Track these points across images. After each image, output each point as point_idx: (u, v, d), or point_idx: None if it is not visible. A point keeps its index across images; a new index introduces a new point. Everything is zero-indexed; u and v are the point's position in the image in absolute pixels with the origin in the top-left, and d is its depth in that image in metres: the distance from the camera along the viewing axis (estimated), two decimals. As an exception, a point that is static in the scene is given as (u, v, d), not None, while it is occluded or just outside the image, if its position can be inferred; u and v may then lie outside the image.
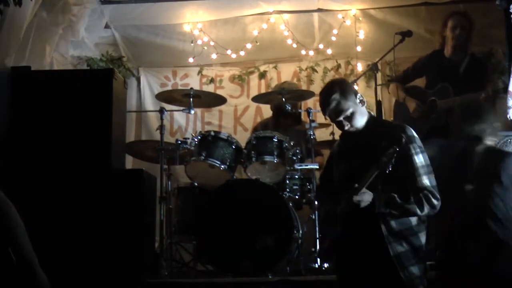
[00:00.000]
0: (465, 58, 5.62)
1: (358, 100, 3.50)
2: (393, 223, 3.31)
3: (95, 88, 4.84)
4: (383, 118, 5.79)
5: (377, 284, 3.33)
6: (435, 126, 5.38)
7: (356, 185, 3.20)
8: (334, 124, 3.59)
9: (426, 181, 3.36)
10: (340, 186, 3.56)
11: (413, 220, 3.36)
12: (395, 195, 3.27)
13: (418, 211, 3.29)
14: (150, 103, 7.34)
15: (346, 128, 3.48)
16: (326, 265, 4.71)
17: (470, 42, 5.71)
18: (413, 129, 3.53)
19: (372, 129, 3.51)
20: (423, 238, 3.38)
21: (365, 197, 3.24)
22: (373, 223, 3.31)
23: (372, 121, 3.56)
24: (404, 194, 3.29)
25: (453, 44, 5.64)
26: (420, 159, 3.38)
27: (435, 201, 3.32)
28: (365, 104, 3.56)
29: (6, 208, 2.77)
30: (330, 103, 3.45)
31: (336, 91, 3.46)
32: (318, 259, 4.78)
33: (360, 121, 3.49)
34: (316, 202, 4.98)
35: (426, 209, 3.30)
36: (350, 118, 3.46)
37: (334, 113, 3.47)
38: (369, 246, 3.33)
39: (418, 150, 3.41)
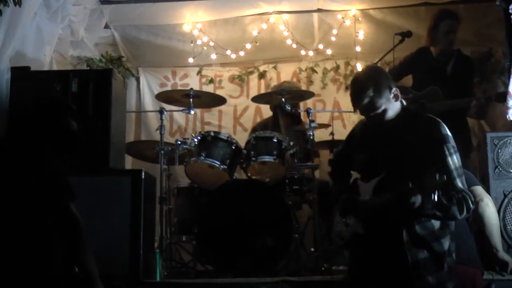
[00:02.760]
0: (452, 56, 5.59)
1: (392, 95, 3.36)
2: (417, 228, 3.20)
3: (95, 89, 4.83)
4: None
5: None
6: None
7: (410, 184, 3.03)
8: (362, 115, 3.45)
9: (460, 184, 3.26)
10: (361, 173, 3.45)
11: (436, 224, 3.24)
12: (440, 197, 3.08)
13: (458, 214, 3.17)
14: (149, 103, 7.35)
15: (375, 122, 3.39)
16: (325, 264, 4.72)
17: (454, 40, 5.69)
18: None
19: (402, 122, 3.38)
20: (446, 243, 3.26)
21: (418, 199, 3.07)
22: (395, 226, 3.21)
23: (403, 111, 3.42)
24: (445, 195, 3.14)
25: (443, 46, 5.61)
26: (454, 161, 3.26)
27: (471, 204, 3.21)
28: (399, 98, 3.40)
29: (76, 224, 2.78)
30: (363, 100, 3.31)
31: (371, 87, 3.31)
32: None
33: (390, 116, 3.36)
34: (318, 196, 5.00)
35: (465, 212, 3.18)
36: (380, 115, 3.35)
37: (366, 109, 3.36)
38: (388, 249, 3.24)
39: (452, 150, 3.28)
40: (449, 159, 3.25)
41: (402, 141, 3.31)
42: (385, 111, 3.34)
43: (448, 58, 5.59)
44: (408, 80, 5.93)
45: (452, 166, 3.25)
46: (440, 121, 3.39)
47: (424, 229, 3.22)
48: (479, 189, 4.10)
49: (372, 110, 3.34)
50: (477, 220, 4.08)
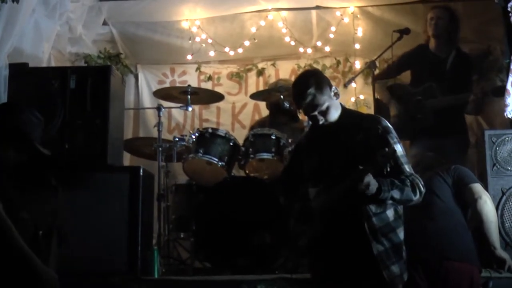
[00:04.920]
0: (451, 53, 5.60)
1: (332, 93, 3.46)
2: (374, 220, 3.29)
3: (93, 85, 4.83)
4: (380, 115, 5.79)
5: (359, 283, 3.31)
6: (422, 127, 5.38)
7: (361, 167, 3.13)
8: (307, 118, 3.54)
9: (409, 169, 3.38)
10: (312, 179, 3.52)
11: (390, 215, 3.34)
12: (393, 179, 3.25)
13: (413, 196, 3.28)
14: (148, 100, 7.34)
15: (321, 122, 3.44)
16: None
17: (455, 37, 5.69)
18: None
19: (345, 121, 3.48)
20: (401, 234, 3.37)
21: (371, 181, 3.16)
22: (356, 220, 3.29)
23: (345, 113, 3.53)
24: (397, 179, 3.28)
25: (433, 34, 5.63)
26: (399, 149, 3.37)
27: (422, 188, 3.32)
28: (339, 97, 3.52)
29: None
30: (305, 98, 3.40)
31: (312, 84, 3.41)
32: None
33: (335, 115, 3.46)
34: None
35: (418, 194, 3.30)
36: (324, 113, 3.42)
37: (310, 107, 3.42)
38: (352, 244, 3.30)
39: (395, 140, 3.41)
40: (394, 147, 3.33)
41: (349, 139, 3.40)
42: (328, 108, 3.42)
43: (447, 55, 5.60)
44: (406, 77, 5.93)
45: (399, 153, 3.35)
46: (380, 116, 3.55)
47: (380, 221, 3.31)
48: (477, 187, 4.10)
49: (315, 107, 3.41)
50: (475, 217, 4.08)
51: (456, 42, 5.69)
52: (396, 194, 3.23)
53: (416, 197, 3.30)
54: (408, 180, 3.30)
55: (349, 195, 3.21)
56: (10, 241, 2.70)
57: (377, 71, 5.75)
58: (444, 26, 5.61)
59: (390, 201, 3.26)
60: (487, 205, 4.05)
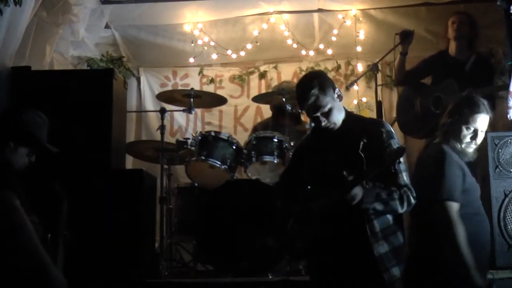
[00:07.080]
0: (471, 57, 5.59)
1: (336, 95, 3.44)
2: (375, 222, 3.27)
3: (95, 88, 4.84)
4: (384, 118, 5.78)
5: (359, 285, 3.28)
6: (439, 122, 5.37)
7: (350, 178, 3.12)
8: (310, 119, 3.53)
9: (405, 178, 3.34)
10: (313, 182, 3.52)
11: (391, 218, 3.32)
12: (381, 191, 3.22)
13: (399, 208, 3.25)
14: (150, 103, 7.34)
15: (323, 124, 3.41)
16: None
17: (475, 43, 5.67)
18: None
19: (348, 125, 3.46)
20: (401, 237, 3.35)
21: (358, 192, 3.15)
22: (357, 223, 3.26)
23: (348, 116, 3.51)
24: (386, 190, 3.25)
25: (454, 36, 5.61)
26: None
27: (412, 200, 3.29)
28: (343, 100, 3.50)
29: (12, 211, 2.77)
30: (308, 99, 3.37)
31: (315, 85, 3.38)
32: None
33: (337, 117, 3.43)
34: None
35: (406, 206, 3.26)
36: (327, 114, 3.39)
37: (312, 108, 3.40)
38: (352, 247, 3.28)
39: (398, 145, 3.36)
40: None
41: (352, 143, 3.37)
42: (331, 110, 3.40)
43: (467, 58, 5.58)
44: (427, 80, 5.92)
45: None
46: (383, 120, 3.45)
47: (382, 223, 3.29)
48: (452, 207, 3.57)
49: (318, 108, 3.39)
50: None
51: (476, 48, 5.68)
52: (379, 206, 3.21)
53: (404, 209, 3.27)
54: (397, 193, 3.26)
55: (342, 202, 3.21)
56: (26, 241, 2.73)
57: (379, 74, 5.73)
58: (466, 30, 5.60)
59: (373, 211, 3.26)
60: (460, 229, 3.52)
